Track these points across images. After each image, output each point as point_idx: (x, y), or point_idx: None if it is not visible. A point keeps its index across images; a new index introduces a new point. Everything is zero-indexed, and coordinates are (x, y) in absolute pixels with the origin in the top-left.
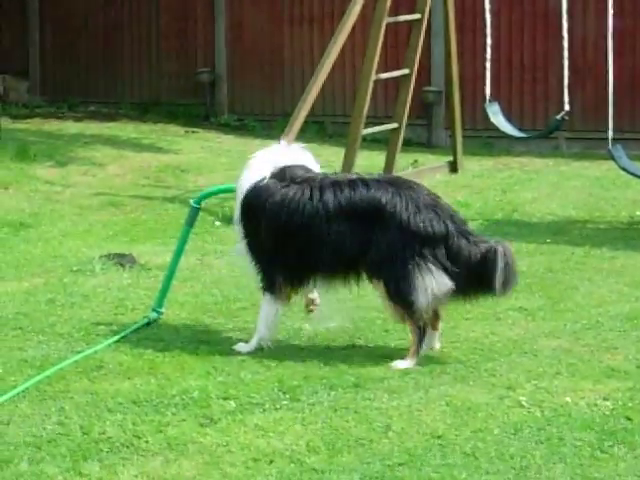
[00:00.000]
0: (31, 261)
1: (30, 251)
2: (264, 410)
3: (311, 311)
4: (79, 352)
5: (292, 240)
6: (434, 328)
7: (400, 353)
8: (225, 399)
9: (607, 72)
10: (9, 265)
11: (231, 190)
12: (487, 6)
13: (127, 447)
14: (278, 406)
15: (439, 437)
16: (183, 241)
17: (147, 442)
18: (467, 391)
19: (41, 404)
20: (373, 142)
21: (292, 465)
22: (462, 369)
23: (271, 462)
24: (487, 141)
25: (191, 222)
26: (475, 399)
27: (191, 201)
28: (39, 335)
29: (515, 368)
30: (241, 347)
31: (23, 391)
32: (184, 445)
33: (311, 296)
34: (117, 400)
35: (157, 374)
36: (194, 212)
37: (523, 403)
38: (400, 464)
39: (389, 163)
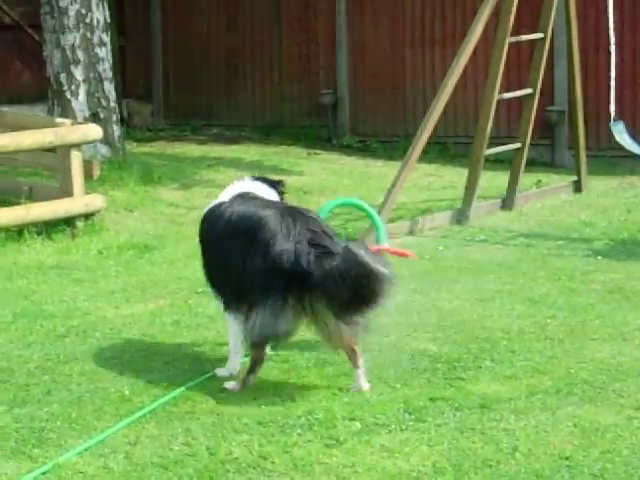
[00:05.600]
0: (156, 283)
1: (155, 273)
2: (390, 431)
3: None
4: (205, 373)
5: None
6: (354, 366)
7: (527, 374)
8: (351, 420)
9: None
10: (135, 287)
11: (348, 204)
12: (611, 24)
13: (253, 468)
14: (404, 427)
15: (567, 458)
16: None
17: (273, 463)
18: (595, 412)
19: (168, 425)
20: (496, 162)
21: None
22: (589, 390)
23: None
24: (611, 160)
25: None
26: (603, 420)
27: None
28: (165, 356)
29: None
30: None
31: (150, 412)
32: (310, 466)
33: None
34: (243, 421)
35: (282, 395)
36: None
37: None
38: None
39: (512, 183)
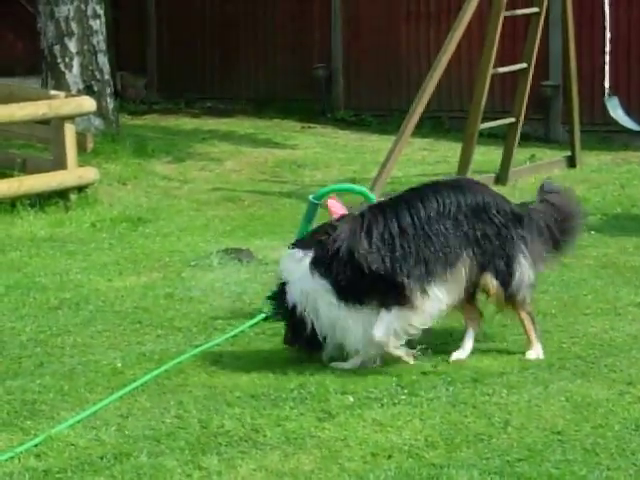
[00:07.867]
0: (149, 256)
1: (148, 246)
2: (382, 405)
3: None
4: (197, 346)
5: None
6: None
7: (519, 348)
8: (343, 394)
9: None
10: (127, 260)
11: (351, 190)
12: None
13: (245, 441)
14: (396, 401)
15: (559, 433)
16: (301, 237)
17: (265, 436)
18: (587, 386)
19: (160, 398)
20: (490, 137)
21: (410, 460)
22: (582, 364)
23: (389, 457)
24: (605, 135)
25: (310, 218)
26: (595, 395)
27: (310, 197)
28: (157, 329)
29: (635, 364)
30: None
31: (142, 385)
32: (302, 439)
33: None
34: (235, 394)
35: (275, 368)
36: (313, 208)
37: None
38: (519, 460)
39: (506, 158)
